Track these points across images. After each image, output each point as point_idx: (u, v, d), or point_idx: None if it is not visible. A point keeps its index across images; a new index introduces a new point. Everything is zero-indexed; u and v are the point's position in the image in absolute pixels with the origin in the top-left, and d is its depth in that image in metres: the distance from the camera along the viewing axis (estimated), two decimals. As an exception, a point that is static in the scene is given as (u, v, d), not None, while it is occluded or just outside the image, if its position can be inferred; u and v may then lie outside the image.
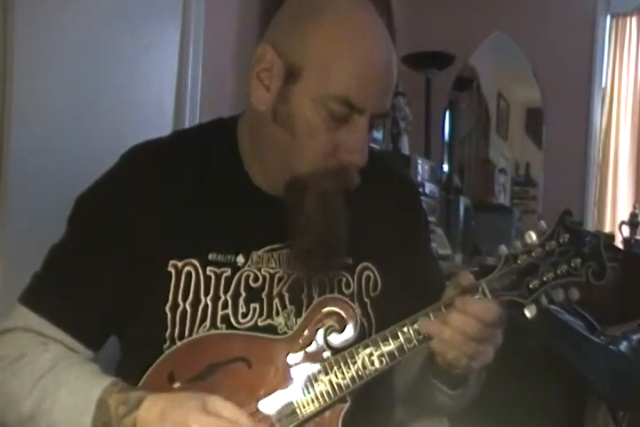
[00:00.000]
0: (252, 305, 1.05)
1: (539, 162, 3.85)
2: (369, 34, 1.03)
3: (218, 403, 0.93)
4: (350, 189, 1.04)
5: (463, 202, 3.78)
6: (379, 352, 0.99)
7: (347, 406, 0.99)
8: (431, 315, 1.00)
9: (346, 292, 1.09)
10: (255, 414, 0.98)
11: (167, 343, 1.03)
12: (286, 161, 1.03)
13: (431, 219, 3.05)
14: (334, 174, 1.02)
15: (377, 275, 1.12)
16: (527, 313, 1.02)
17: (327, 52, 1.00)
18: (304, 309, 1.05)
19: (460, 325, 0.97)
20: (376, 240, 1.12)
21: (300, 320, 1.03)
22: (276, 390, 0.99)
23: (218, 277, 1.05)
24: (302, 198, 1.02)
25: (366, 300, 1.10)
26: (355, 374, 0.98)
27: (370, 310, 1.10)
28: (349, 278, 1.10)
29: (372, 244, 1.11)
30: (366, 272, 1.12)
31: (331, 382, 0.98)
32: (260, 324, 1.05)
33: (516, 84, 3.95)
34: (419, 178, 3.28)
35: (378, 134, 3.09)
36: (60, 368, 1.01)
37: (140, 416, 0.94)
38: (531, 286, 1.01)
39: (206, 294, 1.04)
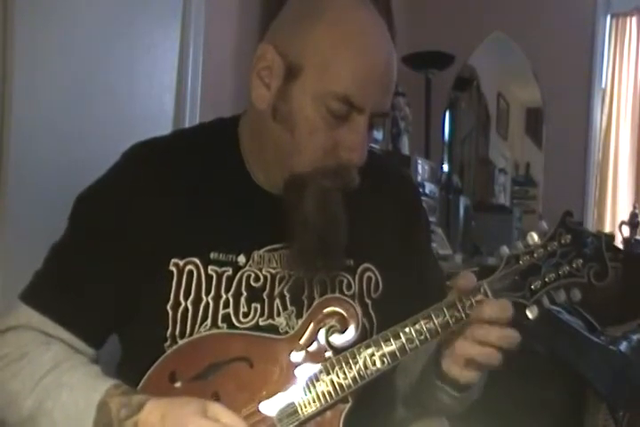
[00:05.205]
0: (253, 305, 1.05)
1: (539, 162, 3.85)
2: (369, 33, 1.03)
3: (217, 408, 0.93)
4: (350, 188, 1.04)
5: (463, 202, 3.79)
6: (380, 352, 0.99)
7: (348, 406, 0.99)
8: (433, 316, 1.00)
9: (347, 293, 1.09)
10: (256, 413, 0.97)
11: (168, 342, 1.03)
12: (286, 159, 1.03)
13: (431, 219, 3.05)
14: (333, 173, 1.02)
15: (378, 276, 1.12)
16: (529, 314, 1.01)
17: (327, 51, 1.00)
18: (305, 310, 1.05)
19: (494, 338, 0.97)
20: (377, 241, 1.12)
21: (301, 321, 1.03)
22: (277, 389, 0.99)
23: (219, 276, 1.05)
24: (301, 196, 1.02)
25: (367, 301, 1.10)
26: (356, 374, 0.98)
27: (371, 311, 1.09)
28: (350, 280, 1.10)
29: (372, 245, 1.11)
30: (367, 273, 1.11)
31: (332, 381, 0.98)
32: (261, 323, 1.05)
33: (516, 84, 3.95)
34: (419, 178, 3.29)
35: (378, 134, 3.09)
36: (62, 369, 1.00)
37: (141, 420, 0.93)
38: (533, 286, 1.01)
39: (207, 293, 1.04)
